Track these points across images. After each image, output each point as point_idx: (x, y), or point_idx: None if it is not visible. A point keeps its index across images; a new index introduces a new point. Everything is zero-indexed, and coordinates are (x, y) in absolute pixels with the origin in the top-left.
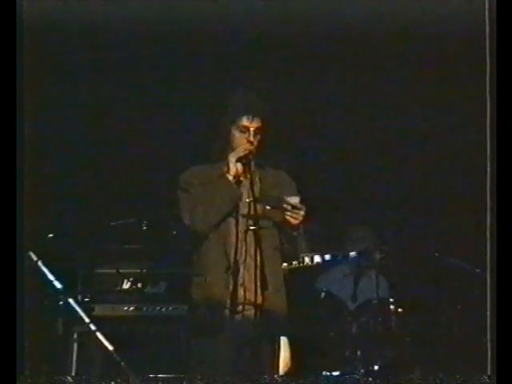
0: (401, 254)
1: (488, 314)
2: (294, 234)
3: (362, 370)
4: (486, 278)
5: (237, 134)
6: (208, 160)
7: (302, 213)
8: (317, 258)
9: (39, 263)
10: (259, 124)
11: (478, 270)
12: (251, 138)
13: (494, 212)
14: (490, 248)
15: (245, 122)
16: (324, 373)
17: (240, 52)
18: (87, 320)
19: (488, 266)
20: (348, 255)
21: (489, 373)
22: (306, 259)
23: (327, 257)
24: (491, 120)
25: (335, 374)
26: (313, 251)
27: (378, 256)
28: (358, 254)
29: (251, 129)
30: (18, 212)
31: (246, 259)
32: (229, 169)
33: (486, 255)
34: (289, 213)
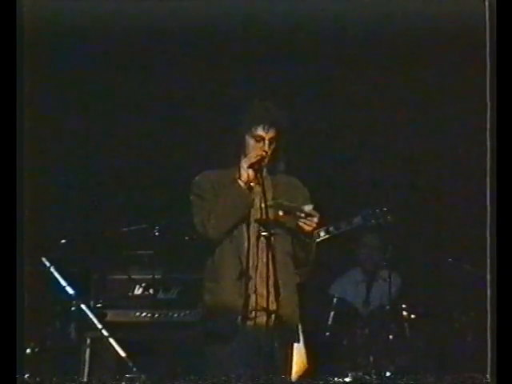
0: (413, 258)
1: (488, 314)
2: (307, 240)
3: (374, 376)
4: (493, 282)
5: (251, 142)
6: (221, 165)
7: (316, 220)
8: (322, 233)
9: (52, 269)
10: (274, 134)
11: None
12: (266, 148)
13: (494, 213)
14: (489, 248)
15: (260, 131)
16: (336, 378)
17: (257, 58)
18: (100, 326)
19: (488, 266)
20: (352, 221)
21: (489, 373)
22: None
23: (332, 228)
24: (491, 120)
25: (347, 379)
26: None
27: (380, 216)
28: (363, 217)
29: (266, 139)
30: (19, 219)
31: (258, 265)
32: (240, 175)
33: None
34: (302, 220)
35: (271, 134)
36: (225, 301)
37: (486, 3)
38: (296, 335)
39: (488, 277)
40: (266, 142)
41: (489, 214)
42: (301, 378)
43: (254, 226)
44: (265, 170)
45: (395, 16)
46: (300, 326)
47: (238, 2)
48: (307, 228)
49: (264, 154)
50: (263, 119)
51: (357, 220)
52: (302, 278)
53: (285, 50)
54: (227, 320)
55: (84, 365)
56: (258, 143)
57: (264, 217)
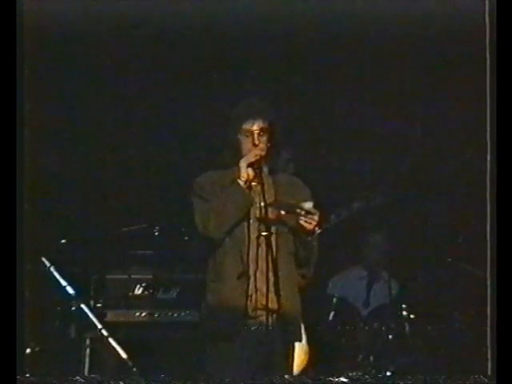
0: (413, 260)
1: (488, 314)
2: (309, 239)
3: (373, 376)
4: (493, 283)
5: (242, 139)
6: (221, 166)
7: (316, 218)
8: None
9: (52, 269)
10: (262, 125)
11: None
12: (256, 141)
13: (494, 213)
14: (489, 248)
15: (247, 125)
16: (335, 378)
17: (252, 57)
18: (99, 326)
19: (488, 267)
20: (351, 207)
21: (489, 373)
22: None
23: (333, 217)
24: (491, 120)
25: (345, 379)
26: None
27: (377, 201)
28: (361, 201)
29: (254, 131)
30: (20, 218)
31: (259, 264)
32: (240, 174)
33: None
34: (303, 218)
35: (258, 125)
36: (227, 300)
37: (486, 3)
38: (298, 334)
39: (488, 277)
40: (255, 134)
41: (489, 214)
42: (303, 371)
43: (254, 225)
44: (267, 170)
45: (395, 15)
46: (303, 324)
47: (232, 2)
48: (308, 226)
49: (262, 152)
50: (247, 114)
51: (356, 204)
52: (306, 280)
53: (283, 48)
54: (229, 319)
55: (84, 364)
56: (248, 138)
57: (264, 215)
